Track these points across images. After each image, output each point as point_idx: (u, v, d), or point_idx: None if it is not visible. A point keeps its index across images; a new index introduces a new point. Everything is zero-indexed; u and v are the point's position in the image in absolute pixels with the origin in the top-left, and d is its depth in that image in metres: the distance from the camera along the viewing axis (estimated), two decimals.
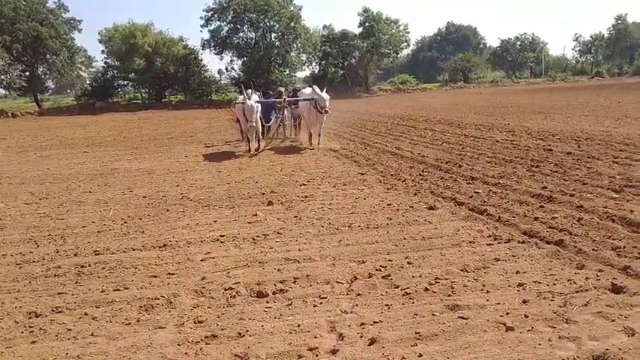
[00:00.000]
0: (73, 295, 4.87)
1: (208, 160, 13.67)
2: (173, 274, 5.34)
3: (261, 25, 58.02)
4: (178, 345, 3.83)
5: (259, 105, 15.19)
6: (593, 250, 5.31)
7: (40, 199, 9.60)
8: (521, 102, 31.15)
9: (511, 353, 3.49)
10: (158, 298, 4.66)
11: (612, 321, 3.84)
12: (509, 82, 73.12)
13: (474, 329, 3.83)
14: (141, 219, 7.75)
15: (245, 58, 58.57)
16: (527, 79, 78.51)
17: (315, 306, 4.42)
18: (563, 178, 8.74)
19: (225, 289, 4.85)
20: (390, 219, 6.98)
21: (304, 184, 9.70)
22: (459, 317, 4.03)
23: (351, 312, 4.27)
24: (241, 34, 58.69)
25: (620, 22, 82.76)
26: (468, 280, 4.75)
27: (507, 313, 4.03)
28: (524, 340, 3.64)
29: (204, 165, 12.93)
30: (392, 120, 22.83)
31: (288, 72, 61.43)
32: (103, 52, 55.65)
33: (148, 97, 56.72)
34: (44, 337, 4.08)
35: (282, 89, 19.76)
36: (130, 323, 4.22)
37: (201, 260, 5.75)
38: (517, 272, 4.89)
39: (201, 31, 58.65)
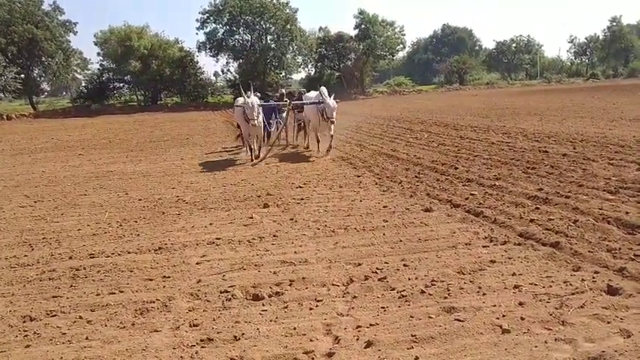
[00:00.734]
0: (67, 298, 4.85)
1: (204, 163, 13.65)
2: (168, 277, 5.32)
3: (257, 27, 58.10)
4: (174, 349, 3.81)
5: (260, 105, 13.99)
6: (589, 251, 5.31)
7: (34, 201, 9.57)
8: (516, 104, 31.20)
9: (507, 356, 3.49)
10: (153, 302, 4.65)
11: (608, 323, 3.84)
12: (505, 84, 73.27)
13: (470, 332, 3.83)
14: (136, 222, 7.73)
15: (241, 61, 58.66)
16: (522, 81, 78.69)
17: (310, 309, 4.41)
18: (559, 180, 8.74)
19: (221, 292, 4.83)
20: (386, 221, 6.97)
21: (300, 187, 9.69)
22: (455, 320, 4.02)
23: (347, 315, 4.26)
24: (237, 36, 58.79)
25: (614, 24, 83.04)
26: (464, 283, 4.74)
27: (503, 316, 4.02)
28: (521, 342, 3.64)
29: (199, 167, 12.89)
30: (388, 122, 22.83)
31: (284, 74, 61.60)
32: (98, 54, 55.80)
33: (144, 99, 56.70)
34: (38, 341, 4.06)
35: (284, 90, 18.52)
36: (125, 327, 4.21)
37: (197, 263, 5.72)
38: (513, 274, 4.88)
39: (196, 33, 58.79)
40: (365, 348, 3.71)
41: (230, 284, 5.00)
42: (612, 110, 22.05)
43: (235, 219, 7.60)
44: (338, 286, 4.87)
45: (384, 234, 6.40)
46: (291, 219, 7.41)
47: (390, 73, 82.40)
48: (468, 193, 8.27)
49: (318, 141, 14.22)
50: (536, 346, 3.57)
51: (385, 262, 5.39)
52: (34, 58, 50.09)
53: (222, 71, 60.94)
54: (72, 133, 26.22)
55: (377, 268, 5.22)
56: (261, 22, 57.68)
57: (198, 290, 4.91)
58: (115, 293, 4.92)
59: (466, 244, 5.86)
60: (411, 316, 4.14)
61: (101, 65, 55.95)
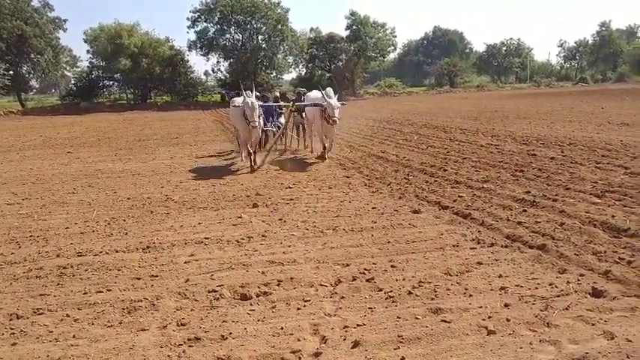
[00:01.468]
0: (54, 296, 4.83)
1: (193, 162, 13.62)
2: (156, 276, 5.32)
3: (248, 26, 58.12)
4: (161, 347, 3.81)
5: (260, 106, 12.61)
6: (574, 254, 5.37)
7: (22, 199, 9.51)
8: (506, 107, 31.37)
9: (492, 357, 3.52)
10: (141, 301, 4.64)
11: (592, 325, 3.89)
12: (495, 87, 73.70)
13: (456, 333, 3.86)
14: (124, 220, 7.71)
15: (231, 60, 58.64)
16: (512, 84, 79.18)
17: (298, 309, 4.43)
18: (547, 183, 8.82)
19: (209, 292, 4.83)
20: (375, 222, 7.00)
21: (289, 187, 9.70)
22: (442, 321, 4.05)
23: (335, 315, 4.28)
24: (228, 35, 58.77)
25: (604, 28, 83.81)
26: (451, 284, 4.78)
27: (489, 317, 4.06)
28: (506, 343, 3.68)
29: (189, 167, 12.86)
30: (378, 123, 22.88)
31: (274, 74, 61.62)
32: (88, 51, 55.56)
33: (134, 97, 56.55)
34: (25, 339, 4.04)
35: (277, 93, 17.52)
36: (112, 325, 4.20)
37: (185, 262, 5.72)
38: (499, 276, 4.93)
39: (187, 32, 58.86)
40: (352, 348, 3.73)
41: (218, 284, 5.00)
42: (600, 114, 22.25)
43: (224, 219, 7.59)
44: (326, 286, 4.89)
45: (372, 235, 6.43)
46: (280, 219, 7.42)
47: (380, 75, 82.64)
48: (456, 195, 8.32)
49: (323, 145, 13.02)
50: (521, 347, 3.61)
51: (373, 263, 5.41)
52: (23, 55, 49.77)
53: (213, 70, 60.93)
54: (60, 131, 26.06)
55: (365, 269, 5.24)
56: (253, 22, 57.71)
57: (186, 289, 4.91)
58: (102, 292, 4.90)
59: (454, 246, 5.90)
60: (397, 317, 4.17)
61: (91, 63, 55.86)
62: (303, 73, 64.11)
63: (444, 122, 22.04)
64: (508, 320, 3.99)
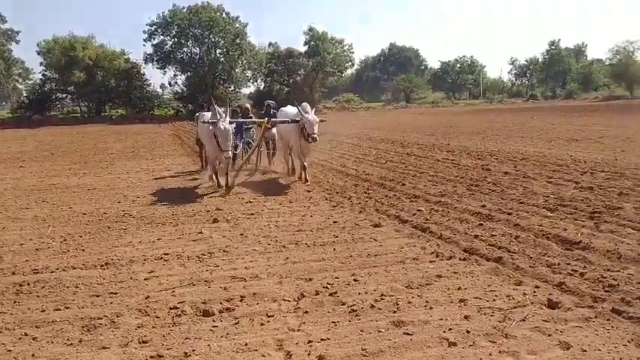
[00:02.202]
0: (11, 314, 4.69)
1: (151, 177, 13.42)
2: (116, 293, 5.22)
3: (206, 40, 58.01)
4: None
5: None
6: (530, 266, 5.54)
7: None
8: (460, 123, 32.08)
9: None
10: (101, 318, 4.55)
11: (549, 335, 4.01)
12: (449, 103, 75.23)
13: (418, 345, 3.93)
14: (81, 236, 7.53)
15: (189, 73, 58.33)
16: (466, 101, 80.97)
17: (262, 324, 4.42)
18: (501, 197, 9.06)
19: (170, 308, 4.77)
20: (337, 236, 7.06)
21: (250, 202, 9.67)
22: (404, 333, 4.12)
23: (299, 330, 4.29)
24: (185, 49, 58.55)
25: (553, 47, 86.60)
26: (412, 297, 4.86)
27: (450, 329, 4.15)
28: (467, 355, 3.76)
29: (146, 182, 12.66)
30: (336, 138, 23.04)
31: (233, 88, 61.49)
32: (41, 64, 54.24)
33: (88, 110, 55.42)
34: None
35: (248, 105, 15.08)
36: (72, 344, 4.11)
37: (145, 279, 5.63)
38: (459, 288, 5.04)
39: (144, 45, 58.06)
40: None
41: (180, 300, 4.95)
42: (550, 130, 23.00)
43: (184, 234, 7.51)
44: (289, 301, 4.90)
45: (334, 249, 6.47)
46: (241, 234, 7.39)
47: (338, 90, 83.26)
48: (415, 209, 8.46)
49: (303, 164, 11.81)
50: (481, 359, 3.70)
51: (336, 277, 5.45)
52: None
53: (170, 84, 60.35)
54: (12, 145, 25.32)
55: (328, 283, 5.27)
56: (211, 36, 57.66)
57: (147, 306, 4.83)
58: (60, 309, 4.78)
59: (414, 259, 6.00)
60: (361, 331, 4.21)
61: (44, 75, 54.54)
62: (261, 87, 64.18)
63: (402, 137, 22.39)
64: (468, 332, 4.08)
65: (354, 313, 4.56)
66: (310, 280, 5.42)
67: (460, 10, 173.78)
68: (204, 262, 6.18)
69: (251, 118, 13.94)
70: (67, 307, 4.85)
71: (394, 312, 4.55)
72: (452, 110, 58.88)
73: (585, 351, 3.75)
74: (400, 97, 76.32)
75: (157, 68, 58.96)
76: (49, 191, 11.54)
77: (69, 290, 5.32)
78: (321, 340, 4.07)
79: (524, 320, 4.27)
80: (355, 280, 5.38)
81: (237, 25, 58.69)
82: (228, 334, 4.26)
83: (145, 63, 58.14)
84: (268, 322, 4.46)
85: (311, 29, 64.06)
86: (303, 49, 64.29)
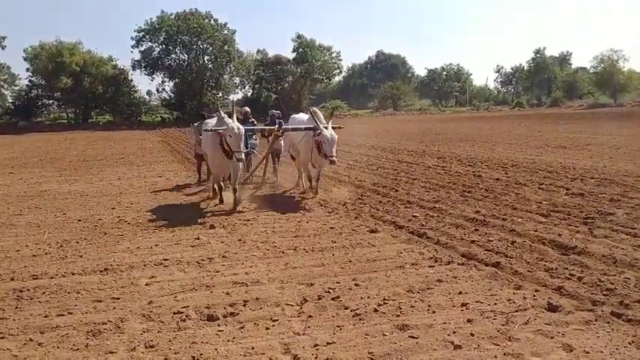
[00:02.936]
0: (14, 320, 4.69)
1: (143, 183, 13.38)
2: (118, 298, 5.23)
3: (194, 47, 57.95)
4: None
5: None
6: (528, 271, 5.63)
7: None
8: (448, 129, 32.32)
9: None
10: (105, 323, 4.56)
11: (551, 338, 4.09)
12: (436, 110, 75.70)
13: (424, 348, 3.98)
14: (78, 242, 7.51)
15: (177, 80, 58.24)
16: (452, 108, 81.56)
17: (267, 328, 4.45)
18: (495, 203, 9.16)
19: (174, 313, 4.79)
20: (335, 242, 7.10)
21: (245, 207, 9.67)
22: (409, 337, 4.17)
23: (304, 334, 4.33)
24: (173, 55, 58.42)
25: (538, 55, 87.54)
26: (415, 301, 4.92)
27: (454, 332, 4.21)
28: (472, 357, 3.82)
29: (138, 187, 12.64)
30: None
31: (221, 94, 61.47)
32: (27, 70, 53.80)
33: (75, 117, 55.06)
34: None
35: (247, 109, 13.50)
36: (78, 349, 4.11)
37: (146, 284, 5.65)
38: (459, 293, 5.10)
39: (132, 51, 57.86)
40: None
41: (183, 305, 4.97)
42: (538, 138, 23.26)
43: (181, 240, 7.51)
44: (292, 305, 4.93)
45: (333, 254, 6.52)
46: (239, 240, 7.41)
47: (326, 97, 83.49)
48: (410, 215, 8.53)
49: (310, 180, 10.80)
50: None
51: (337, 282, 5.50)
52: None
53: (157, 90, 60.18)
54: None
55: (329, 288, 5.31)
56: (199, 43, 57.63)
57: (151, 311, 4.85)
58: (63, 315, 4.79)
59: (413, 264, 6.06)
60: (366, 334, 4.26)
61: (30, 81, 54.17)
62: (249, 94, 64.18)
63: (391, 144, 22.51)
64: (472, 335, 4.15)
65: (358, 317, 4.61)
66: (312, 285, 5.46)
67: (447, 18, 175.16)
68: (204, 267, 6.20)
69: (253, 123, 12.78)
70: (70, 313, 4.85)
71: (398, 316, 4.60)
72: (439, 117, 59.26)
73: (588, 352, 3.83)
74: (387, 104, 76.67)
75: (145, 74, 58.85)
76: (41, 198, 11.47)
77: (70, 296, 5.32)
78: (327, 343, 4.11)
79: (526, 323, 4.34)
80: (356, 284, 5.42)
81: (226, 31, 58.76)
82: (234, 338, 4.28)
83: (133, 69, 58.06)
84: (273, 326, 4.50)
85: (299, 36, 64.32)
86: (291, 56, 64.51)
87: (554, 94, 79.94)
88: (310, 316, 4.67)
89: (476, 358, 3.81)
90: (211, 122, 10.58)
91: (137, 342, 4.22)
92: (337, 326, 4.44)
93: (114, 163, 18.46)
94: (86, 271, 6.15)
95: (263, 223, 8.37)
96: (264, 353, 4.00)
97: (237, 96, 67.20)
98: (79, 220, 8.99)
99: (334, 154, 9.64)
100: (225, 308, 4.86)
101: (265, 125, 12.15)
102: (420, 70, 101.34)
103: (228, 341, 4.22)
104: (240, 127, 9.27)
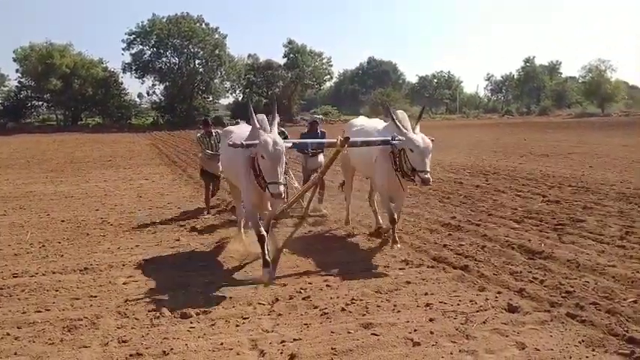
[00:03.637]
0: None
1: (129, 185, 13.51)
2: (95, 296, 5.39)
3: (185, 51, 57.97)
4: None
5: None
6: (493, 274, 5.84)
7: None
8: (436, 137, 32.48)
9: None
10: (81, 319, 4.72)
11: (506, 336, 4.29)
12: (427, 118, 76.07)
13: (384, 345, 4.17)
14: (60, 242, 7.66)
15: (167, 83, 58.17)
16: (442, 115, 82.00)
17: (237, 325, 4.63)
18: (471, 209, 9.39)
19: (149, 311, 4.95)
20: (309, 244, 7.28)
21: (226, 210, 9.83)
22: (372, 334, 4.36)
23: (272, 331, 4.51)
24: (164, 58, 58.40)
25: (528, 64, 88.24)
26: (381, 301, 5.11)
27: (415, 330, 4.40)
28: (429, 353, 4.02)
29: (124, 190, 12.77)
30: None
31: (211, 98, 61.58)
32: (17, 71, 53.59)
33: (64, 119, 54.92)
34: None
35: (319, 117, 11.09)
36: (53, 343, 4.27)
37: (124, 283, 5.81)
38: (425, 294, 5.31)
39: (122, 54, 57.86)
40: None
41: (158, 303, 5.12)
42: (523, 146, 23.57)
43: (162, 241, 7.68)
44: (264, 304, 5.11)
45: (307, 256, 6.69)
46: (217, 242, 7.58)
47: (317, 102, 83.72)
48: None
49: (391, 214, 7.11)
50: (442, 357, 3.96)
51: (309, 283, 5.68)
52: None
53: (148, 93, 60.10)
54: None
55: (301, 288, 5.50)
56: (190, 46, 57.66)
57: (126, 309, 5.01)
58: (41, 311, 4.94)
59: (385, 267, 6.27)
60: (331, 332, 4.44)
61: (20, 82, 53.95)
62: (240, 99, 64.28)
63: None
64: (432, 333, 4.35)
65: (326, 316, 4.79)
66: (285, 285, 5.64)
67: (438, 26, 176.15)
68: (181, 268, 6.36)
69: (324, 136, 9.61)
70: (48, 310, 5.00)
71: (363, 315, 4.79)
72: (429, 124, 59.46)
73: (539, 350, 4.03)
74: (378, 111, 77.00)
75: (136, 77, 58.77)
76: (26, 198, 11.59)
77: (49, 293, 5.47)
78: (294, 340, 4.28)
79: (484, 323, 4.54)
80: (327, 285, 5.61)
81: (217, 36, 58.87)
82: (204, 334, 4.45)
83: (123, 72, 57.93)
84: (244, 323, 4.67)
85: (290, 42, 64.53)
86: (282, 61, 64.74)
87: (543, 103, 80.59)
88: (280, 315, 4.85)
89: (432, 355, 4.00)
90: (237, 131, 7.14)
91: (111, 337, 4.38)
92: (305, 324, 4.62)
93: (101, 166, 18.56)
94: (66, 270, 6.30)
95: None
96: (232, 349, 4.17)
97: (227, 100, 67.43)
98: (63, 221, 9.13)
99: (428, 169, 6.61)
100: (198, 307, 5.02)
101: (304, 136, 9.67)
102: (411, 77, 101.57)
103: (198, 337, 4.39)
104: (279, 141, 5.77)
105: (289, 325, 4.62)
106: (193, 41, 56.95)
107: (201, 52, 58.14)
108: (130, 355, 4.04)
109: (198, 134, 10.08)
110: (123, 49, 57.66)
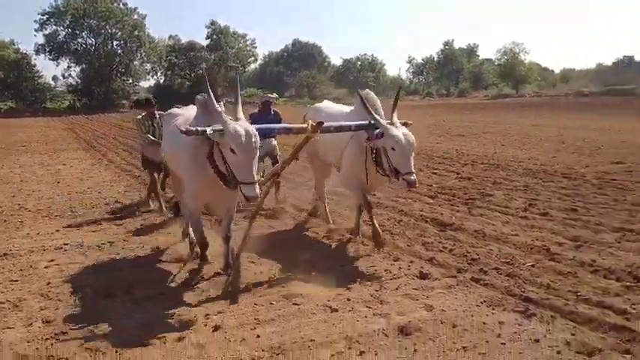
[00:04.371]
0: None
1: (46, 171, 13.11)
2: (16, 280, 5.36)
3: (102, 31, 55.89)
4: (28, 342, 3.98)
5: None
6: (407, 245, 6.24)
7: None
8: None
9: (334, 329, 4.14)
10: (3, 303, 4.72)
11: (416, 300, 4.66)
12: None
13: (304, 313, 4.45)
14: None
15: (84, 65, 55.93)
16: None
17: (162, 303, 4.75)
18: (391, 187, 9.77)
19: (72, 292, 4.99)
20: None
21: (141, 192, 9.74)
22: (293, 304, 4.62)
23: (197, 306, 4.67)
24: (80, 39, 56.11)
25: (447, 47, 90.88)
26: (302, 274, 5.37)
27: (333, 298, 4.70)
28: (346, 318, 4.32)
29: (41, 176, 12.38)
30: None
31: (131, 81, 59.72)
32: None
33: None
34: None
35: (273, 96, 9.34)
36: None
37: (46, 267, 5.78)
38: (342, 265, 5.67)
39: (35, 35, 55.03)
40: (213, 332, 4.15)
41: (82, 285, 5.16)
42: (442, 126, 24.48)
43: (82, 226, 7.61)
44: (188, 283, 5.25)
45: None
46: (141, 225, 7.59)
47: (242, 84, 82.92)
48: (309, 199, 8.95)
49: (369, 206, 6.35)
50: (357, 321, 4.27)
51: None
52: None
53: (64, 76, 57.54)
54: None
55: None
56: (107, 27, 55.63)
57: (49, 291, 5.02)
58: None
59: (308, 243, 6.56)
60: (255, 304, 4.66)
61: None
62: (162, 81, 62.72)
63: None
64: (349, 300, 4.67)
65: (250, 291, 4.99)
66: (210, 263, 5.76)
67: (363, 9, 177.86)
68: (104, 251, 6.38)
69: (277, 115, 8.63)
70: None
71: (283, 286, 5.04)
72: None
73: (444, 311, 4.42)
74: (303, 93, 77.27)
75: (50, 59, 56.12)
76: None
77: None
78: (218, 312, 4.48)
79: (397, 289, 4.90)
80: (252, 262, 5.80)
81: (136, 16, 57.11)
82: (130, 313, 4.55)
83: (37, 54, 55.17)
84: (168, 302, 4.79)
85: (213, 23, 63.56)
86: (205, 42, 63.63)
87: (462, 85, 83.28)
88: (203, 291, 5.02)
89: (349, 319, 4.30)
90: (186, 114, 5.87)
91: (34, 318, 4.42)
92: (229, 299, 4.81)
93: (15, 151, 17.80)
94: None
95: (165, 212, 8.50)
96: (157, 325, 4.30)
97: (148, 82, 65.64)
98: None
99: (412, 170, 5.58)
100: (123, 287, 5.10)
101: (254, 116, 8.37)
102: (336, 60, 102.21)
103: (124, 315, 4.49)
104: (253, 131, 4.69)
105: (214, 301, 4.80)
106: (111, 22, 54.97)
107: (120, 33, 56.23)
108: (55, 334, 4.10)
109: (139, 116, 8.55)
110: (35, 30, 54.96)
